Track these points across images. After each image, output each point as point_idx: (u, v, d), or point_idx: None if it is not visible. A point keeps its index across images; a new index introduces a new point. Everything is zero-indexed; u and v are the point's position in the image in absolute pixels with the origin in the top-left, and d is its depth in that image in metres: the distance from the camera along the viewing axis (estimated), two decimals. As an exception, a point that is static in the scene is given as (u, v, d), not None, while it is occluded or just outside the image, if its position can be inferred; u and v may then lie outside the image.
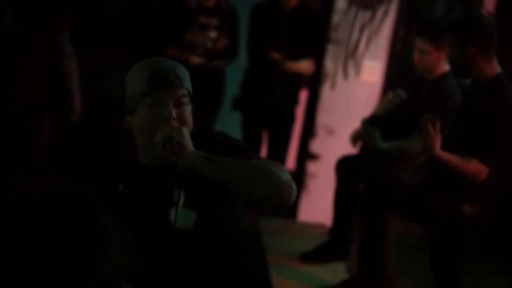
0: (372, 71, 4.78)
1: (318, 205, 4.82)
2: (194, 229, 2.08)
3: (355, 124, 4.32)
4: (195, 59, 4.49)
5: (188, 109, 2.04)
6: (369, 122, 4.12)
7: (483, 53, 3.19)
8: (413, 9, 5.14)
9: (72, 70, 3.72)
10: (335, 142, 4.79)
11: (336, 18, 4.67)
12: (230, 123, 4.95)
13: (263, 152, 4.83)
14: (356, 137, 4.26)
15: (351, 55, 4.74)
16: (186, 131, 1.98)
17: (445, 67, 3.93)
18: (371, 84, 4.79)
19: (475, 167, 3.15)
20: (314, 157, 4.86)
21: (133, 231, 2.06)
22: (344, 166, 4.20)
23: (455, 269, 3.51)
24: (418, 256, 4.24)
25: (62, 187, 1.18)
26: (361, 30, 4.71)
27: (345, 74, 4.76)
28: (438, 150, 3.13)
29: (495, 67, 3.23)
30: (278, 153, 4.76)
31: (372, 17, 4.71)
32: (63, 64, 3.69)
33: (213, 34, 4.54)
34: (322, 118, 4.80)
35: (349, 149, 4.42)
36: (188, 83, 2.06)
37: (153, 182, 2.09)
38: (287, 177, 2.00)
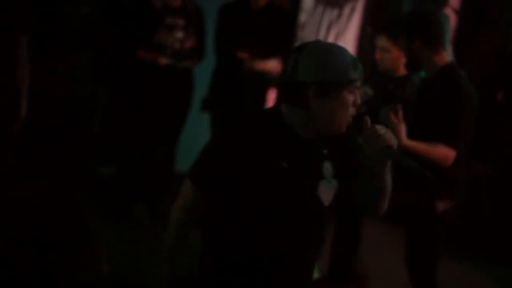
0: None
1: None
2: (329, 205, 2.13)
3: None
4: (163, 60, 4.44)
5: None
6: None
7: (429, 46, 3.38)
8: (380, 6, 5.16)
9: (24, 75, 3.66)
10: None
11: (303, 17, 4.67)
12: (199, 124, 4.91)
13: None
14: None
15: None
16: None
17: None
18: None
19: (442, 152, 3.23)
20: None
21: (282, 204, 2.07)
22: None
23: (430, 266, 3.53)
24: (392, 257, 4.25)
25: (58, 191, 1.20)
26: (328, 28, 4.72)
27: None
28: (405, 139, 3.22)
29: (445, 58, 3.40)
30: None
31: (339, 15, 4.71)
32: (16, 68, 3.63)
33: (180, 34, 4.50)
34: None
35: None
36: None
37: (308, 154, 2.11)
38: None
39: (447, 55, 3.49)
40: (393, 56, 4.01)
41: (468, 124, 3.36)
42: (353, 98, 2.03)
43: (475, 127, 3.44)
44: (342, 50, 2.05)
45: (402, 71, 4.09)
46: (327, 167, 2.11)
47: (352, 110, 2.05)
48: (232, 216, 2.11)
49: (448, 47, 3.52)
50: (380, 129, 2.02)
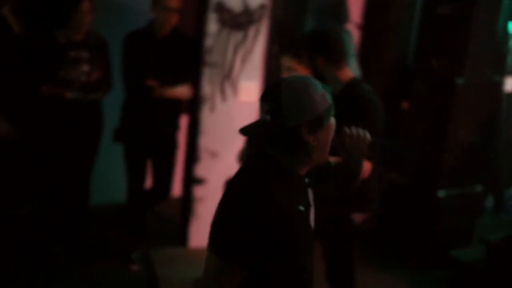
0: (249, 90, 4.83)
1: (208, 229, 4.79)
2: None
3: (238, 145, 4.34)
4: (70, 94, 4.37)
5: None
6: (249, 140, 4.16)
7: (331, 63, 3.49)
8: (284, 27, 5.24)
9: None
10: (220, 165, 4.79)
11: (209, 41, 4.68)
12: (112, 155, 4.85)
13: (148, 182, 4.76)
14: (243, 156, 4.29)
15: (228, 77, 4.77)
16: None
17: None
18: (250, 103, 4.83)
19: None
20: (200, 181, 4.84)
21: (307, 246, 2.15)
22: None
23: (349, 277, 3.58)
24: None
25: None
26: (235, 51, 4.75)
27: (223, 96, 4.77)
28: None
29: (348, 73, 3.52)
30: (164, 181, 4.70)
31: (244, 38, 4.75)
32: None
33: (85, 67, 4.44)
34: (205, 141, 4.78)
35: (235, 170, 4.42)
36: None
37: (305, 189, 2.18)
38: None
39: (351, 70, 3.58)
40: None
41: (379, 134, 3.45)
42: (333, 120, 2.14)
43: (384, 137, 3.53)
44: (313, 81, 2.10)
45: None
46: (310, 194, 2.21)
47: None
48: (267, 272, 2.04)
49: (351, 62, 3.61)
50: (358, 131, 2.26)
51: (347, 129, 2.24)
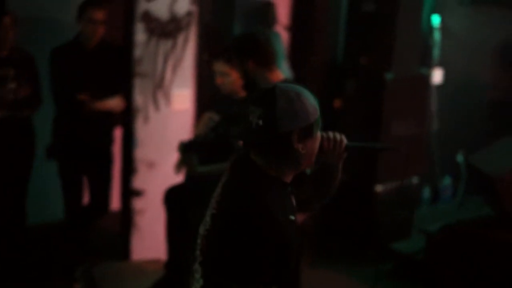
0: (182, 98, 4.80)
1: (150, 241, 4.75)
2: None
3: (174, 153, 4.31)
4: (-2, 113, 4.27)
5: None
6: (185, 148, 4.14)
7: (262, 65, 3.50)
8: (213, 32, 5.23)
9: None
10: (157, 175, 4.75)
11: (138, 51, 4.64)
12: (47, 173, 4.75)
13: (86, 197, 4.68)
14: (178, 165, 4.26)
15: (159, 86, 4.73)
16: None
17: (250, 85, 4.09)
18: (184, 111, 4.81)
19: None
20: (138, 193, 4.78)
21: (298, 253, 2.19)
22: (172, 196, 4.18)
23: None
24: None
25: None
26: (165, 60, 4.72)
27: (156, 106, 4.73)
28: None
29: (279, 75, 3.54)
30: (101, 195, 4.64)
31: (174, 46, 4.73)
32: None
33: (12, 85, 4.33)
34: (140, 153, 4.73)
35: (173, 179, 4.40)
36: None
37: (290, 197, 2.21)
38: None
39: (282, 72, 3.60)
40: (233, 79, 4.09)
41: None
42: (320, 132, 2.19)
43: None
44: (305, 90, 2.11)
45: (243, 92, 4.17)
46: (294, 202, 2.22)
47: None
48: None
49: (282, 64, 3.63)
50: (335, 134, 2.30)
51: (324, 133, 2.23)
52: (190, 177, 4.27)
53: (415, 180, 5.46)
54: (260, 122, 2.01)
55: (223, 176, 2.24)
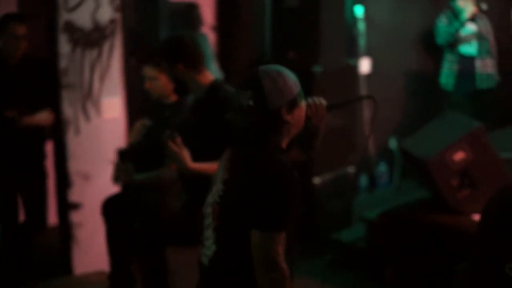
0: (112, 107, 4.75)
1: (91, 254, 4.68)
2: None
3: (110, 163, 4.26)
4: None
5: None
6: (121, 157, 4.10)
7: (191, 68, 3.51)
8: (139, 37, 5.19)
9: None
10: (94, 187, 4.68)
11: (63, 62, 4.56)
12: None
13: (21, 215, 4.59)
14: (115, 174, 4.22)
15: (88, 96, 4.66)
16: None
17: (181, 88, 4.09)
18: (115, 120, 4.76)
19: None
20: (76, 206, 4.71)
21: None
22: (110, 207, 4.13)
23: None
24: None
25: None
26: (92, 69, 4.65)
27: (87, 116, 4.66)
28: (191, 164, 3.26)
29: (209, 76, 3.57)
30: (38, 212, 4.56)
31: (99, 55, 4.67)
32: None
33: None
34: (74, 165, 4.66)
35: (110, 190, 4.35)
36: None
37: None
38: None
39: (211, 73, 3.62)
40: (162, 83, 4.09)
41: None
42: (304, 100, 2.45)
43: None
44: (284, 69, 2.39)
45: (174, 96, 4.17)
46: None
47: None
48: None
49: (211, 65, 3.65)
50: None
51: (308, 99, 2.51)
52: (127, 186, 4.23)
53: (351, 169, 5.54)
54: (251, 103, 2.29)
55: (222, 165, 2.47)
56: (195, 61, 3.54)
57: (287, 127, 2.37)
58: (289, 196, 2.28)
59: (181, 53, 3.54)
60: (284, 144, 2.41)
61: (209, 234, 2.36)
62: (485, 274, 1.38)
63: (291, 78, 2.36)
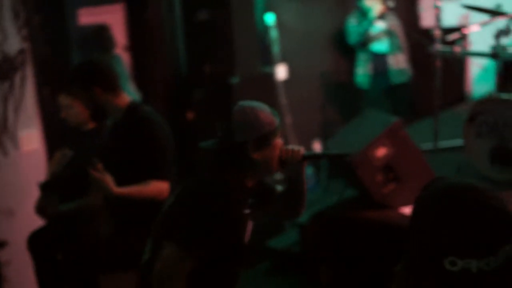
0: (30, 139, 4.64)
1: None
2: None
3: (33, 196, 4.16)
4: None
5: None
6: (44, 189, 4.01)
7: (108, 91, 3.45)
8: (52, 64, 5.08)
9: None
10: (19, 222, 4.55)
11: (-27, 98, 4.42)
12: None
13: None
14: (40, 207, 4.11)
15: (3, 130, 4.53)
16: None
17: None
18: (35, 152, 4.65)
19: (156, 187, 3.33)
20: (1, 245, 4.57)
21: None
22: (37, 241, 4.02)
23: None
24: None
25: None
26: (5, 102, 4.53)
27: (4, 151, 4.54)
28: (115, 188, 3.23)
29: (126, 98, 3.51)
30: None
31: (12, 86, 4.55)
32: None
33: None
34: (-4, 202, 4.53)
35: (36, 224, 4.24)
36: None
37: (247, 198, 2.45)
38: None
39: (128, 95, 3.57)
40: (78, 110, 4.01)
41: (169, 152, 3.47)
42: (281, 140, 2.43)
43: (176, 150, 3.57)
44: (262, 106, 2.41)
45: (91, 122, 4.10)
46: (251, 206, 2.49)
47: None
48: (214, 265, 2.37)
49: (127, 86, 3.61)
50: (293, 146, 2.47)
51: (283, 145, 2.49)
52: (52, 218, 4.13)
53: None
54: (220, 134, 2.40)
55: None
56: (111, 83, 3.49)
57: (253, 164, 2.36)
58: (209, 220, 2.27)
59: (95, 77, 3.48)
60: (249, 183, 2.39)
61: (148, 242, 2.45)
62: (423, 270, 1.35)
63: (266, 115, 2.36)
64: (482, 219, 1.31)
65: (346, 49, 6.60)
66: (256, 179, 2.44)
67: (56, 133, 4.79)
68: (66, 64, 5.40)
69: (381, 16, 6.26)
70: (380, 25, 6.29)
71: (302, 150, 2.50)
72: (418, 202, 1.41)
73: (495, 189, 1.41)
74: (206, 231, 2.26)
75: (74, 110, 3.99)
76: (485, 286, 1.31)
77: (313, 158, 2.64)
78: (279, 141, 2.43)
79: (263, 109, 2.39)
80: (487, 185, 1.40)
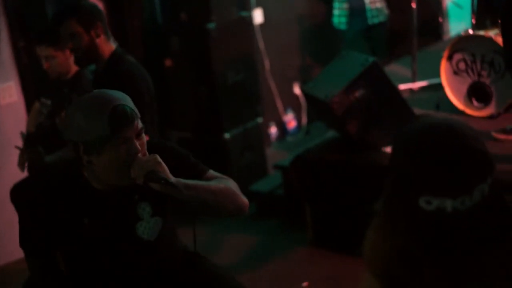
0: (8, 92, 4.61)
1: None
2: (158, 238, 2.30)
3: (14, 151, 4.14)
4: None
5: (144, 136, 2.17)
6: (27, 141, 3.99)
7: (104, 34, 3.46)
8: (25, 16, 4.99)
9: None
10: (2, 176, 4.55)
11: None
12: None
13: None
14: (22, 161, 4.10)
15: (-19, 85, 4.50)
16: (160, 159, 2.09)
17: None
18: (13, 105, 4.62)
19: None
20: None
21: (102, 255, 2.24)
22: (19, 194, 4.03)
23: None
24: None
25: None
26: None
27: (-18, 105, 4.51)
28: None
29: (111, 45, 3.50)
30: None
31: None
32: None
33: None
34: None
35: (19, 177, 4.24)
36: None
37: (114, 204, 2.22)
38: (243, 196, 2.35)
39: (112, 43, 3.54)
40: (60, 60, 3.96)
41: (152, 106, 3.46)
42: (124, 148, 2.09)
43: (158, 100, 3.57)
44: (99, 106, 2.09)
45: (73, 70, 4.05)
46: (144, 208, 2.27)
47: (131, 158, 2.10)
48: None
49: (109, 34, 3.57)
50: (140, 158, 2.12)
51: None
52: (36, 170, 4.13)
53: (259, 120, 5.59)
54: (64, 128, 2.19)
55: None
56: (106, 28, 3.50)
57: (87, 167, 2.15)
58: (20, 217, 2.33)
59: (100, 16, 3.48)
60: (98, 185, 2.18)
61: None
62: (398, 209, 1.35)
63: (100, 116, 2.05)
64: (458, 158, 1.30)
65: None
66: (107, 184, 2.18)
67: (33, 85, 4.76)
68: (41, 16, 5.32)
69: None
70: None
71: (156, 159, 2.10)
72: (397, 140, 1.39)
73: (472, 125, 1.41)
74: (32, 230, 2.32)
75: (57, 60, 3.94)
76: (459, 226, 1.31)
77: (152, 181, 2.10)
78: (118, 149, 2.09)
79: (101, 107, 2.08)
80: (466, 124, 1.39)
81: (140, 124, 2.15)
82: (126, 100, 2.16)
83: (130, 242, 2.27)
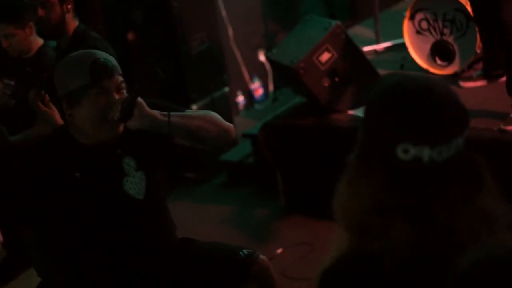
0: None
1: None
2: (145, 198, 2.32)
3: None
4: None
5: (125, 92, 2.24)
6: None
7: (72, 8, 3.45)
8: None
9: None
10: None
11: None
12: None
13: None
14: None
15: None
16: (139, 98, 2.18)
17: (39, 40, 3.96)
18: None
19: None
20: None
21: (92, 210, 2.25)
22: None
23: None
24: None
25: None
26: None
27: None
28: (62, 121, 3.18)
29: (75, 21, 3.49)
30: None
31: None
32: None
33: None
34: None
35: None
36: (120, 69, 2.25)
37: (101, 159, 2.27)
38: (226, 122, 2.39)
39: (75, 20, 3.51)
40: (20, 38, 3.91)
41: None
42: (104, 98, 2.19)
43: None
44: (82, 57, 2.23)
45: (35, 48, 4.00)
46: (128, 163, 2.31)
47: (110, 110, 2.19)
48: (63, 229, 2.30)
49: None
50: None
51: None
52: (0, 149, 4.08)
53: (226, 89, 5.58)
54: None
55: None
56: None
57: (71, 121, 2.26)
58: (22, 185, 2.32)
59: None
60: (88, 139, 2.25)
61: None
62: (374, 160, 1.34)
63: (80, 66, 2.19)
64: (439, 106, 1.31)
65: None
66: (91, 138, 2.27)
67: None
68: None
69: None
70: None
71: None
72: (373, 93, 1.38)
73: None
74: (25, 197, 2.30)
75: (17, 38, 3.89)
76: (433, 178, 1.31)
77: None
78: (97, 98, 2.20)
79: (80, 58, 2.23)
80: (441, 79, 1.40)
81: (120, 79, 2.25)
82: (109, 57, 2.27)
83: (118, 198, 2.30)
